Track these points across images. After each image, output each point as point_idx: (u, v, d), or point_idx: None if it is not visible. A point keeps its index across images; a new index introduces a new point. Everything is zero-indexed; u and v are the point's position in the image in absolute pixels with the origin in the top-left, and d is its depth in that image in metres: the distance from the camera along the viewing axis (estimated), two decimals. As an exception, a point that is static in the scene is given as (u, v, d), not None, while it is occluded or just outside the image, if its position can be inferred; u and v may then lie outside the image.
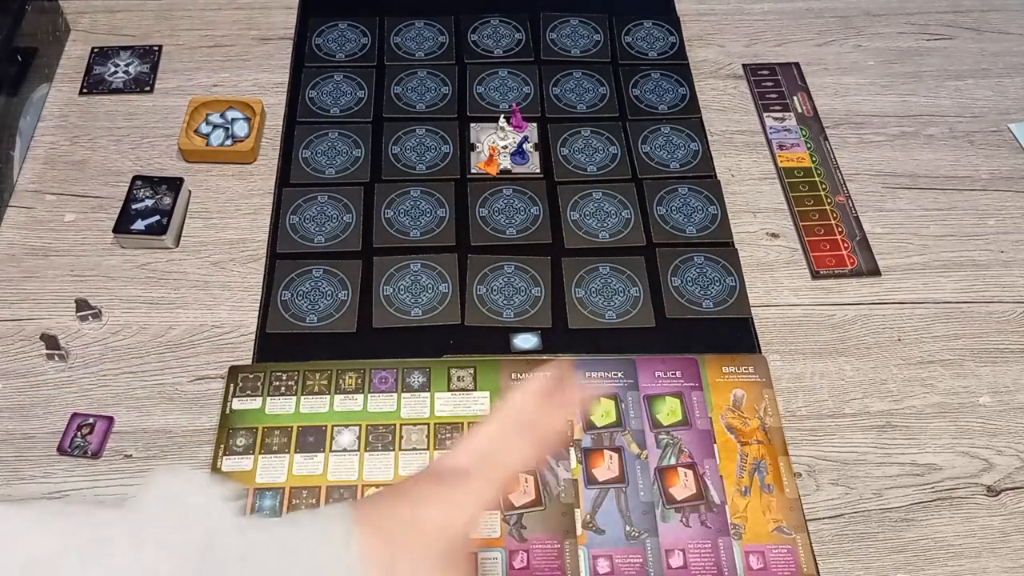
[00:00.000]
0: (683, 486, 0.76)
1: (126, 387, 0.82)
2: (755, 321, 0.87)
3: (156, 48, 1.09)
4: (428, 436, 0.78)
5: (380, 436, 0.78)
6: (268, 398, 0.80)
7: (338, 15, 1.12)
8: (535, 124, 1.02)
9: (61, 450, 0.78)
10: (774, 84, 1.07)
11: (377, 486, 0.75)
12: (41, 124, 1.02)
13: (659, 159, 0.99)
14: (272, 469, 0.76)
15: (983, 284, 0.91)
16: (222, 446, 0.77)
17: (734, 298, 0.88)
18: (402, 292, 0.88)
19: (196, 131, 0.99)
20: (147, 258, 0.91)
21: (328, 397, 0.80)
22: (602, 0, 1.14)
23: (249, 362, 0.84)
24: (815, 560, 0.73)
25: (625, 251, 0.92)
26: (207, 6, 1.14)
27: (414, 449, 0.78)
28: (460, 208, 0.95)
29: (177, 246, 0.92)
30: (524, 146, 0.99)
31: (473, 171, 0.98)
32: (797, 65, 1.10)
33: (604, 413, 0.80)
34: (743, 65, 1.10)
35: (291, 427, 0.79)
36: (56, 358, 0.83)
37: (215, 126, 0.99)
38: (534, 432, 0.56)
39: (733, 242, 0.93)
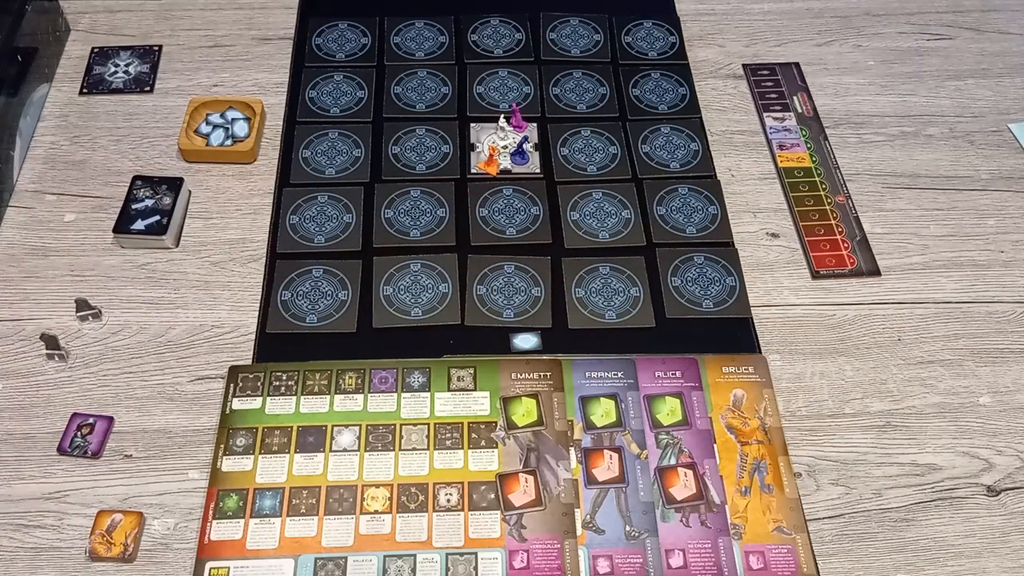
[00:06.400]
0: (683, 486, 0.76)
1: (126, 387, 0.82)
2: (755, 321, 0.87)
3: (156, 48, 1.09)
4: (428, 436, 0.78)
5: (380, 436, 0.78)
6: (268, 398, 0.80)
7: (338, 15, 1.12)
8: (535, 124, 1.02)
9: (61, 450, 0.78)
10: (774, 84, 1.07)
11: (377, 486, 0.76)
12: (41, 124, 1.02)
13: (659, 159, 0.99)
14: (272, 469, 0.76)
15: (983, 284, 0.91)
16: (222, 446, 0.77)
17: (734, 298, 0.88)
18: (402, 292, 0.88)
19: (196, 131, 0.99)
20: (147, 258, 0.91)
21: (328, 397, 0.80)
22: (602, 0, 1.14)
23: (249, 362, 0.84)
24: (815, 560, 0.73)
25: (625, 251, 0.92)
26: (207, 6, 1.14)
27: (414, 449, 0.78)
28: (460, 208, 0.95)
29: (177, 246, 0.92)
30: (524, 146, 0.99)
31: (473, 171, 0.98)
32: (797, 65, 1.10)
33: (604, 413, 0.80)
34: (743, 65, 1.10)
35: (291, 427, 0.79)
36: (56, 358, 0.84)
37: (215, 126, 0.99)
38: None
39: (733, 242, 0.93)
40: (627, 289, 0.89)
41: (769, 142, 1.02)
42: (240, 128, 0.99)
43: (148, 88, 1.05)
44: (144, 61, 1.08)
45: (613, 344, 0.85)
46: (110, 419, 0.80)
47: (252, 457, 0.77)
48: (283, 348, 0.84)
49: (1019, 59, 1.11)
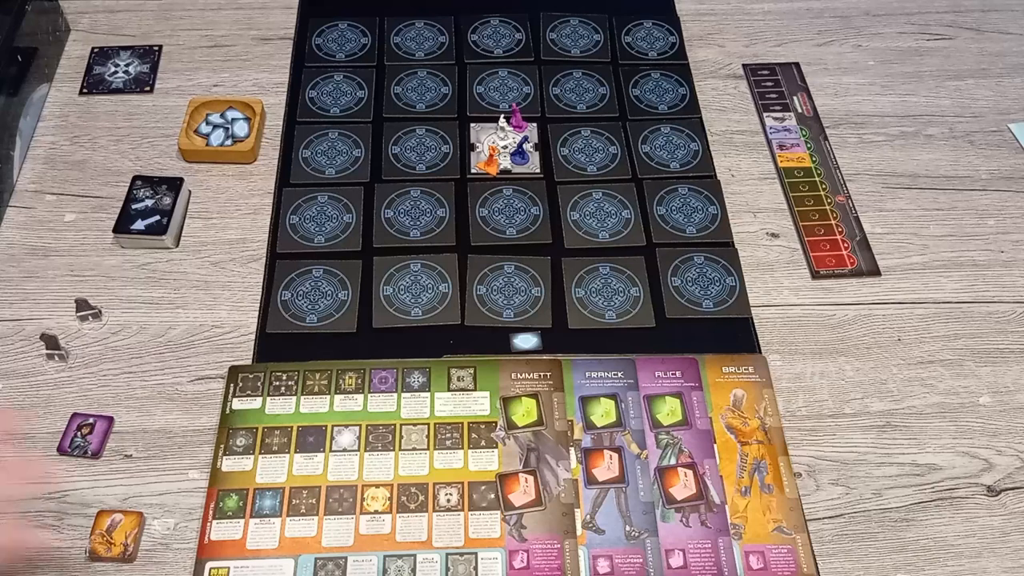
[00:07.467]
0: (683, 486, 0.76)
1: (126, 387, 0.82)
2: (755, 321, 0.87)
3: (156, 48, 1.09)
4: (428, 436, 0.78)
5: (380, 436, 0.78)
6: (268, 398, 0.80)
7: (338, 15, 1.12)
8: (535, 124, 1.02)
9: (61, 450, 0.78)
10: (774, 84, 1.07)
11: (377, 486, 0.76)
12: (41, 124, 1.02)
13: (659, 159, 0.99)
14: (272, 469, 0.76)
15: (983, 284, 0.91)
16: (222, 446, 0.77)
17: (734, 298, 0.88)
18: (402, 292, 0.88)
19: (196, 131, 0.99)
20: (147, 258, 0.91)
21: (328, 397, 0.80)
22: (602, 0, 1.14)
23: (249, 362, 0.84)
24: (815, 560, 0.73)
25: (625, 251, 0.92)
26: (207, 6, 1.14)
27: (414, 449, 0.78)
28: (460, 208, 0.95)
29: (177, 246, 0.92)
30: (524, 146, 0.99)
31: (473, 171, 0.98)
32: (797, 65, 1.10)
33: (604, 413, 0.80)
34: (743, 65, 1.10)
35: (291, 427, 0.79)
36: (56, 358, 0.83)
37: (215, 126, 0.99)
38: None
39: (733, 242, 0.93)
40: (627, 289, 0.89)
41: (769, 142, 1.02)
42: (240, 128, 0.99)
43: (148, 88, 1.05)
44: (144, 61, 1.08)
45: (613, 344, 0.85)
46: (110, 419, 0.80)
47: (252, 457, 0.77)
48: (283, 348, 0.84)
49: (1019, 59, 1.11)
